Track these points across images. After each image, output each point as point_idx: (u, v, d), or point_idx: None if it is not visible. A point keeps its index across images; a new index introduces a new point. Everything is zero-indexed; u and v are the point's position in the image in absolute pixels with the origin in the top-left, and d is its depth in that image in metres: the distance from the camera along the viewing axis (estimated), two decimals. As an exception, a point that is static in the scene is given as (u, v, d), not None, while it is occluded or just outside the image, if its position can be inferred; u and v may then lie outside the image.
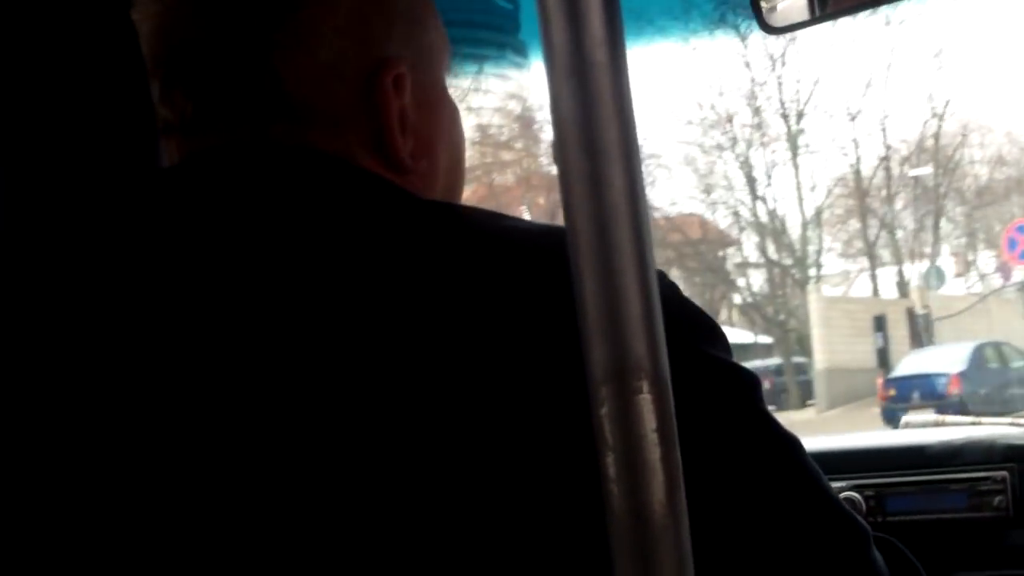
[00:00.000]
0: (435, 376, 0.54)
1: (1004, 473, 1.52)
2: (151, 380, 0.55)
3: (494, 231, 0.61)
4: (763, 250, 21.15)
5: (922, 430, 1.72)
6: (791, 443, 0.60)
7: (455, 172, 0.73)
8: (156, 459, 0.54)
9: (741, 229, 21.64)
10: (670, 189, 25.86)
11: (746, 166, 20.11)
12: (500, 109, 19.39)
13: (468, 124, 19.77)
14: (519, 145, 21.07)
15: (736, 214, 21.26)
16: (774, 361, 20.37)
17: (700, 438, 0.55)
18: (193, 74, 0.65)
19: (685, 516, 0.42)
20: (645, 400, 0.42)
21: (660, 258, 23.12)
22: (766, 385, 19.32)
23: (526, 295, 0.56)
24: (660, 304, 0.43)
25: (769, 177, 20.17)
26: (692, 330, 0.59)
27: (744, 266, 22.32)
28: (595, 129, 0.43)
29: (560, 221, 0.46)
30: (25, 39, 0.62)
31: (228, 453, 0.53)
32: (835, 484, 1.50)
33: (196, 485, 0.53)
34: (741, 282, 22.18)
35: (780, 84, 19.77)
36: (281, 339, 0.55)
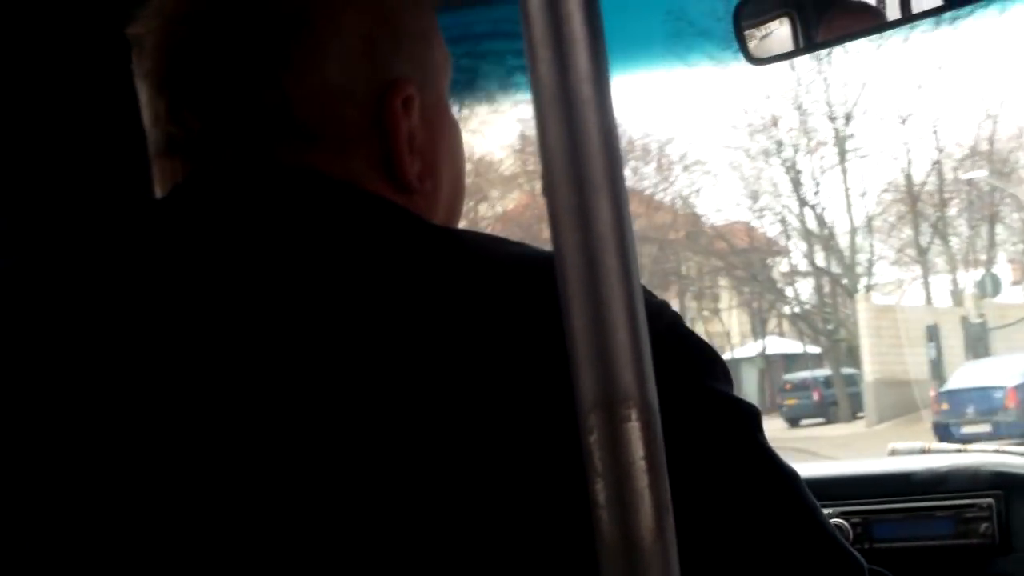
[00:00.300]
0: (429, 397, 0.56)
1: (990, 500, 1.56)
2: (158, 394, 0.57)
3: (496, 257, 0.62)
4: (811, 258, 20.97)
5: (909, 457, 1.75)
6: (789, 477, 0.61)
7: (457, 190, 0.75)
8: (162, 470, 0.56)
9: (789, 237, 21.48)
10: (716, 197, 25.75)
11: (793, 171, 19.96)
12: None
13: (514, 133, 19.85)
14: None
15: (783, 221, 21.09)
16: (823, 372, 20.19)
17: (699, 470, 0.56)
18: (202, 93, 0.66)
19: (674, 543, 0.44)
20: (633, 427, 0.44)
21: (706, 267, 22.99)
22: (814, 397, 19.23)
23: (525, 320, 0.58)
24: (648, 333, 0.44)
25: (817, 183, 19.98)
26: (693, 363, 0.60)
27: (792, 275, 22.16)
28: (581, 162, 0.45)
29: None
30: (17, 56, 0.64)
31: (231, 466, 0.55)
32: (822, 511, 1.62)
33: (199, 495, 0.55)
34: (789, 291, 22.02)
35: (827, 86, 19.67)
36: (279, 356, 0.57)
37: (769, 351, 23.27)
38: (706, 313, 24.19)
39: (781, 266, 22.23)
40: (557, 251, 0.45)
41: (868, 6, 1.24)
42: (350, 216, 0.63)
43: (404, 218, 0.64)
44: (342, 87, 0.66)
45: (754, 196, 21.06)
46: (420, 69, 0.70)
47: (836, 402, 19.19)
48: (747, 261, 21.36)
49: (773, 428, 18.85)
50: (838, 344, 20.51)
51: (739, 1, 1.23)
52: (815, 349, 21.83)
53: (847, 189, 20.33)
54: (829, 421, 18.72)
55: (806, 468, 1.75)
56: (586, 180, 0.45)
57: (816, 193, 20.19)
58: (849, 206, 20.39)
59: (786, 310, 22.41)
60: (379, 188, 0.66)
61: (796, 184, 20.06)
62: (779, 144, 19.97)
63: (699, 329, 25.21)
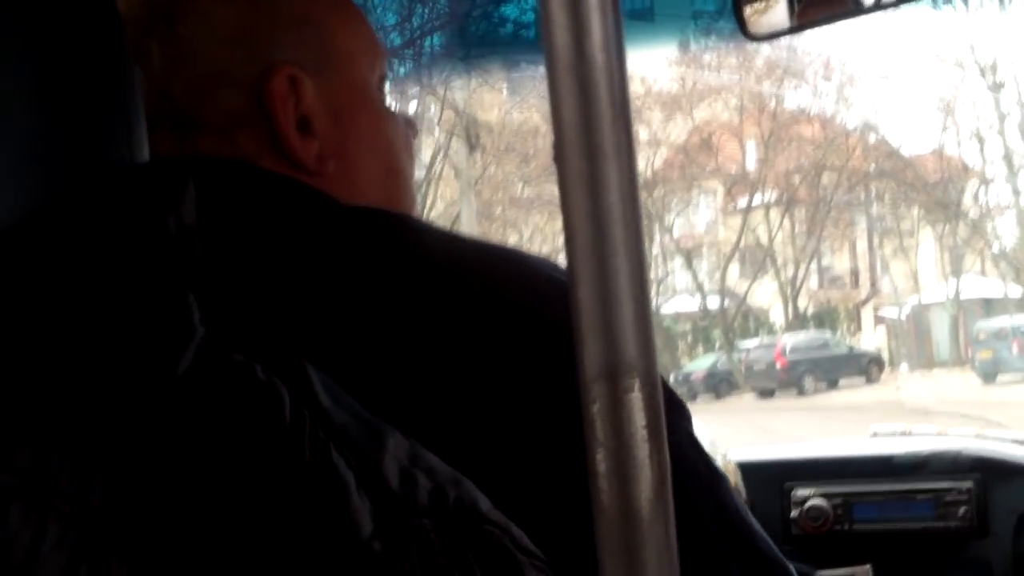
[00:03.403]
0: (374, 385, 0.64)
1: (970, 484, 1.69)
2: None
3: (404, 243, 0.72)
4: (1014, 186, 20.02)
5: (890, 439, 1.89)
6: (717, 478, 0.68)
7: (392, 179, 0.82)
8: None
9: (988, 161, 20.51)
10: (904, 118, 24.75)
11: (993, 80, 18.95)
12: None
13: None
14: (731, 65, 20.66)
15: (981, 142, 20.13)
16: (1026, 320, 19.38)
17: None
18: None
19: (672, 513, 0.48)
20: (636, 398, 0.48)
21: (891, 198, 22.19)
22: (1014, 348, 18.44)
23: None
24: (650, 306, 0.48)
25: (1022, 97, 18.89)
26: None
27: (992, 205, 21.23)
28: (593, 131, 0.48)
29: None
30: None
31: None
32: (803, 492, 1.80)
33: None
34: (988, 225, 21.11)
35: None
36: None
37: (964, 295, 22.45)
38: (890, 251, 23.46)
39: (979, 196, 21.29)
40: (566, 220, 0.49)
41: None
42: (240, 190, 0.73)
43: (299, 192, 0.74)
44: (218, 74, 0.75)
45: (948, 111, 20.13)
46: (311, 54, 0.78)
47: (1041, 356, 18.39)
48: (940, 190, 20.55)
49: (965, 385, 18.22)
50: (1045, 287, 19.59)
51: (739, -24, 1.30)
52: (1017, 291, 20.91)
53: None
54: (1031, 378, 17.98)
55: (786, 449, 1.96)
56: (597, 149, 0.48)
57: (1021, 104, 19.10)
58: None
59: (984, 247, 21.50)
60: (275, 167, 0.75)
61: (996, 95, 19.05)
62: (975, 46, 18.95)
63: (885, 269, 24.45)
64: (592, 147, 0.48)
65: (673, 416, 0.66)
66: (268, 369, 0.56)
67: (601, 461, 0.48)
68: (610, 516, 0.48)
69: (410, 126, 0.87)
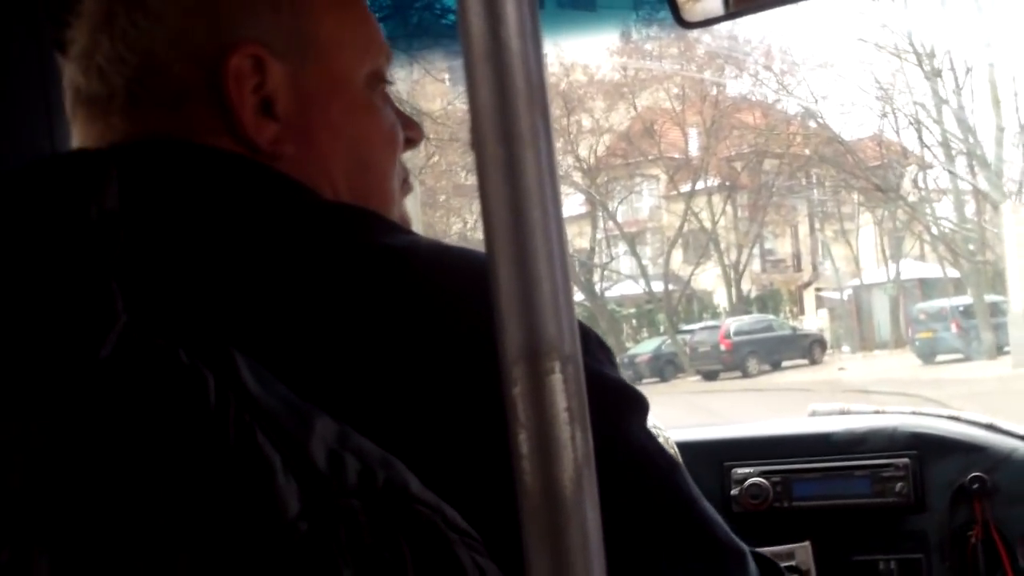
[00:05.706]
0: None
1: (906, 460, 1.74)
2: None
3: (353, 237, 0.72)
4: (952, 170, 20.32)
5: (829, 418, 1.92)
6: (666, 468, 0.69)
7: (364, 174, 0.81)
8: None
9: (925, 145, 20.81)
10: (844, 104, 25.02)
11: (930, 67, 19.21)
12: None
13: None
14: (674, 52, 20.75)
15: (919, 127, 20.42)
16: (963, 300, 19.68)
17: None
18: (70, 57, 0.76)
19: (594, 494, 0.48)
20: (556, 380, 0.48)
21: (832, 183, 22.46)
22: (952, 329, 18.74)
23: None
24: (571, 288, 0.49)
25: (959, 83, 19.18)
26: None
27: (930, 190, 21.55)
28: (510, 117, 0.49)
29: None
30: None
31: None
32: (743, 470, 1.84)
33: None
34: (926, 208, 21.42)
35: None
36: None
37: (903, 276, 22.78)
38: (831, 234, 23.74)
39: (917, 179, 21.60)
40: (484, 205, 0.49)
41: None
42: (181, 169, 0.73)
43: (244, 172, 0.74)
44: (178, 44, 0.74)
45: (887, 99, 20.40)
46: (284, 37, 0.77)
47: (978, 337, 18.70)
48: (880, 175, 20.82)
49: (905, 365, 18.50)
50: (981, 267, 19.94)
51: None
52: (955, 273, 21.26)
53: (993, 83, 19.45)
54: (969, 357, 18.28)
55: (727, 429, 2.00)
56: (514, 135, 0.49)
57: (958, 94, 19.39)
58: (996, 104, 19.50)
59: (922, 229, 21.82)
60: (225, 145, 0.75)
61: (934, 82, 19.32)
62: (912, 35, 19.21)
63: (827, 253, 24.76)
64: (509, 132, 0.49)
65: (626, 410, 0.69)
66: (193, 354, 0.56)
67: (523, 443, 0.48)
68: (533, 498, 0.48)
69: (410, 128, 0.86)
